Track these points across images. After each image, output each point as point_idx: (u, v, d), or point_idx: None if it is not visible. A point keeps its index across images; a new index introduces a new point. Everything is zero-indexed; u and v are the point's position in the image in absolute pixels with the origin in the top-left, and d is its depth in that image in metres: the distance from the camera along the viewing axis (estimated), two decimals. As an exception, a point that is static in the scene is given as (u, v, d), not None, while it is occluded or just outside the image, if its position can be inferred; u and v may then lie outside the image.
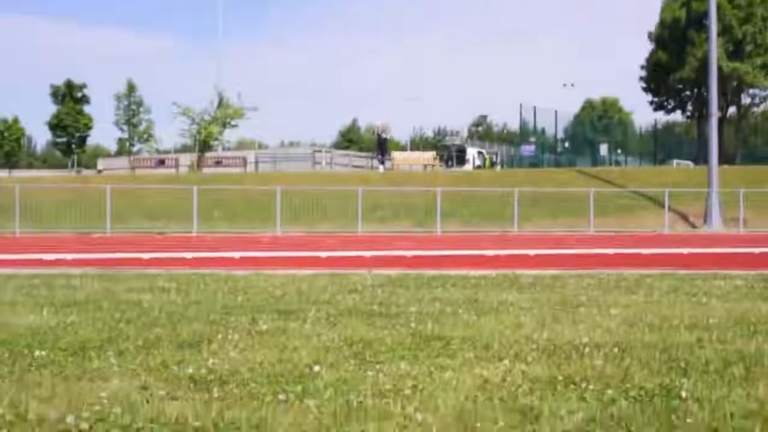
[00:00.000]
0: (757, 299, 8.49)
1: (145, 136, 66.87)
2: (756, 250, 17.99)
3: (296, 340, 5.88)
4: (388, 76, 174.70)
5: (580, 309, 7.56)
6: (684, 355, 5.37)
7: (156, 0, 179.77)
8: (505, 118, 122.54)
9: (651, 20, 69.31)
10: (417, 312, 7.31)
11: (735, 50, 56.34)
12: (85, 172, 63.22)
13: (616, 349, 5.50)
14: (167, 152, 73.54)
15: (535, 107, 52.06)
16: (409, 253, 16.55)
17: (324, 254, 16.12)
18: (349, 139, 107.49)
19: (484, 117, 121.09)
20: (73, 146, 71.77)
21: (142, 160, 58.44)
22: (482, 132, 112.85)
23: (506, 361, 5.09)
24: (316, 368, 4.85)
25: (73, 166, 70.83)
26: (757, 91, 61.17)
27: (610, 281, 10.23)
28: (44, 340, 5.83)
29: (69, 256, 14.69)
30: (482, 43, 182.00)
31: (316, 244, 19.95)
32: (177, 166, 52.88)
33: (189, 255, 15.70)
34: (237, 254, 15.85)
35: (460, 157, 53.35)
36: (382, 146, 43.58)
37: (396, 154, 52.30)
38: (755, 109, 66.51)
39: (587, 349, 5.48)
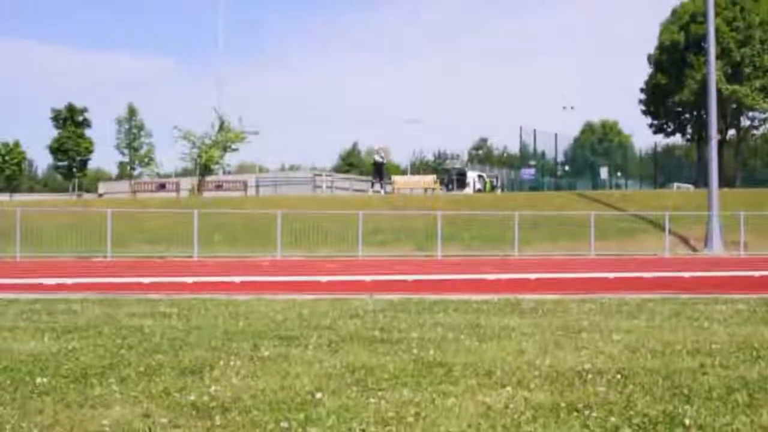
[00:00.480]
0: (760, 324, 8.48)
1: (146, 159, 67.01)
2: (757, 274, 17.98)
3: (298, 366, 5.88)
4: (389, 99, 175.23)
5: (582, 334, 7.56)
6: (687, 381, 5.36)
7: (156, 23, 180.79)
8: (506, 141, 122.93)
9: (650, 43, 69.76)
10: (419, 338, 7.30)
11: (734, 73, 56.52)
12: (86, 195, 63.29)
13: (618, 376, 5.49)
14: (168, 176, 73.65)
15: (535, 130, 52.18)
16: (410, 278, 16.54)
17: (325, 279, 16.12)
18: (349, 163, 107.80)
19: (485, 140, 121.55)
20: (74, 170, 71.89)
21: (143, 183, 58.59)
22: (482, 155, 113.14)
23: (509, 388, 5.09)
24: (318, 395, 4.84)
25: (74, 189, 70.97)
26: (756, 113, 61.28)
27: (612, 306, 10.22)
28: (46, 367, 5.83)
29: (69, 281, 14.69)
30: (482, 65, 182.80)
31: (317, 269, 19.94)
32: (178, 189, 53.00)
33: (190, 279, 15.69)
34: (238, 279, 15.84)
35: (461, 181, 53.41)
36: (379, 170, 43.69)
37: (397, 178, 52.46)
38: (754, 131, 66.60)
39: (590, 376, 5.48)
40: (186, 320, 8.63)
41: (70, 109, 71.76)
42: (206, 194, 47.95)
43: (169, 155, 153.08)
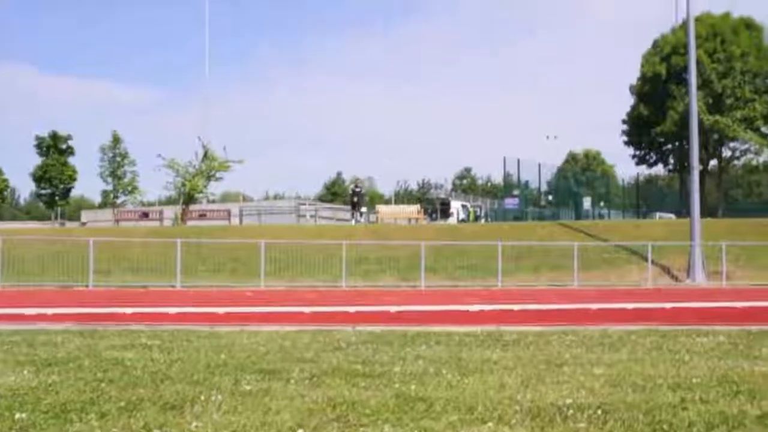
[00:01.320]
0: (739, 357, 8.52)
1: (130, 188, 66.72)
2: (739, 305, 18.06)
3: (279, 401, 5.87)
4: (372, 128, 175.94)
5: (563, 368, 7.57)
6: (667, 417, 5.39)
7: (142, 51, 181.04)
8: (489, 170, 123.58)
9: (632, 74, 70.38)
10: (401, 372, 7.30)
11: (715, 103, 57.12)
12: (69, 224, 62.96)
13: (599, 411, 5.51)
14: (151, 204, 73.41)
15: (518, 160, 52.37)
16: (393, 308, 16.53)
17: (308, 309, 16.08)
18: (333, 192, 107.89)
19: (468, 170, 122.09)
20: (57, 198, 71.49)
21: (126, 212, 58.44)
22: (466, 185, 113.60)
23: (490, 424, 5.10)
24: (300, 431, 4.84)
25: (56, 218, 70.54)
26: (737, 144, 61.87)
27: (594, 338, 10.25)
28: (25, 402, 5.80)
29: (50, 311, 14.60)
30: (466, 95, 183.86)
31: (300, 299, 19.89)
32: (161, 218, 52.92)
33: (172, 310, 15.62)
34: (221, 309, 15.79)
35: (445, 210, 53.70)
36: (355, 201, 43.99)
37: (381, 207, 52.63)
38: (736, 161, 67.20)
39: (570, 411, 5.49)
40: (167, 353, 8.60)
41: (54, 136, 71.49)
42: (190, 223, 47.83)
43: (153, 184, 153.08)
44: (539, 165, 54.62)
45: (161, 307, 16.44)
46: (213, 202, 65.12)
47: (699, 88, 44.27)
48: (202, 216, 52.06)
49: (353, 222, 43.15)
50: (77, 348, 8.98)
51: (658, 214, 54.85)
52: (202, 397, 5.96)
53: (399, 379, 6.82)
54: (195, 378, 6.91)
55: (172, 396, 6.04)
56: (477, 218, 55.46)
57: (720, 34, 58.19)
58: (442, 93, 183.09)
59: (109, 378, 6.86)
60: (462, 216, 54.20)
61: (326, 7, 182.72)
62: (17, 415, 5.30)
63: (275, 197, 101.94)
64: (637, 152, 64.75)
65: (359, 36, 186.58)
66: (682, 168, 56.52)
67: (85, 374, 7.06)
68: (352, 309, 16.20)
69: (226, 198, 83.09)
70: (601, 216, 56.21)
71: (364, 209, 44.95)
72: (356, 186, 45.73)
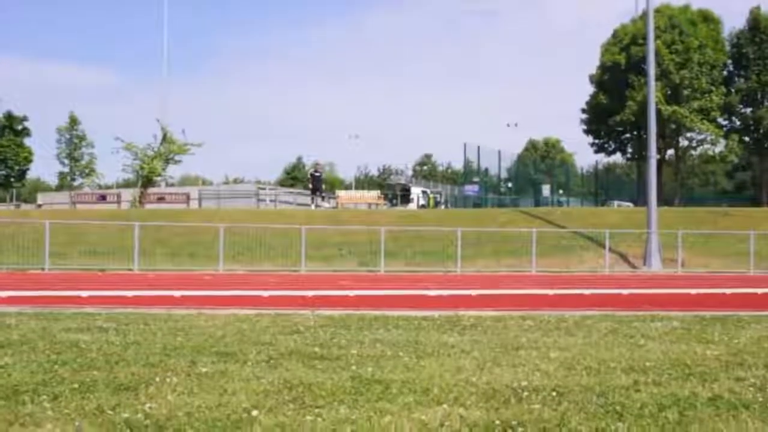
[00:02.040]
0: (692, 341, 8.65)
1: (87, 170, 65.92)
2: (693, 291, 18.33)
3: (236, 383, 5.84)
4: (334, 114, 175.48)
5: (520, 351, 7.63)
6: (620, 398, 5.45)
7: (101, 33, 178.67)
8: (450, 157, 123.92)
9: (592, 63, 70.89)
10: (358, 354, 7.30)
11: (673, 94, 57.79)
12: (25, 206, 62.06)
13: (554, 393, 5.56)
14: (109, 187, 72.68)
15: (479, 147, 52.61)
16: (352, 293, 16.51)
17: (267, 293, 16.01)
18: (293, 177, 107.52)
19: (429, 156, 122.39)
20: (12, 180, 70.48)
21: (83, 195, 57.74)
22: (427, 171, 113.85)
23: (445, 405, 5.12)
24: (255, 413, 4.82)
25: (11, 200, 69.50)
26: (694, 134, 62.67)
27: (551, 323, 10.33)
28: (-25, 384, 5.70)
29: (5, 294, 14.38)
30: (427, 82, 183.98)
31: (259, 283, 19.82)
32: (119, 201, 52.36)
33: (129, 293, 15.46)
34: (178, 293, 15.66)
35: (405, 196, 53.79)
36: (315, 184, 43.93)
37: (340, 193, 52.54)
38: (692, 151, 68.11)
39: (525, 393, 5.54)
40: (123, 335, 8.52)
41: (9, 117, 70.43)
42: (148, 206, 47.43)
43: (111, 166, 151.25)
44: (499, 152, 54.98)
45: (118, 291, 16.27)
46: (172, 185, 64.71)
47: (657, 78, 44.79)
48: (160, 199, 51.62)
49: (313, 206, 43.13)
50: (31, 330, 8.86)
51: (616, 202, 55.49)
52: (157, 379, 5.91)
53: (356, 362, 6.83)
54: (150, 360, 6.85)
55: (126, 378, 5.99)
56: (437, 204, 55.63)
57: (678, 26, 58.84)
58: (404, 81, 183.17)
59: (63, 360, 6.77)
60: (422, 202, 54.34)
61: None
62: (-33, 397, 5.22)
63: (235, 181, 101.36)
64: (596, 141, 65.34)
65: (320, 25, 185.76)
66: (640, 157, 57.11)
67: (39, 356, 6.97)
68: (310, 293, 16.15)
69: (184, 182, 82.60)
70: (560, 203, 56.71)
71: (323, 194, 44.91)
72: (315, 170, 45.72)
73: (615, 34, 62.64)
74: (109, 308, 11.72)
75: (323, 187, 46.05)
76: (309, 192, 46.79)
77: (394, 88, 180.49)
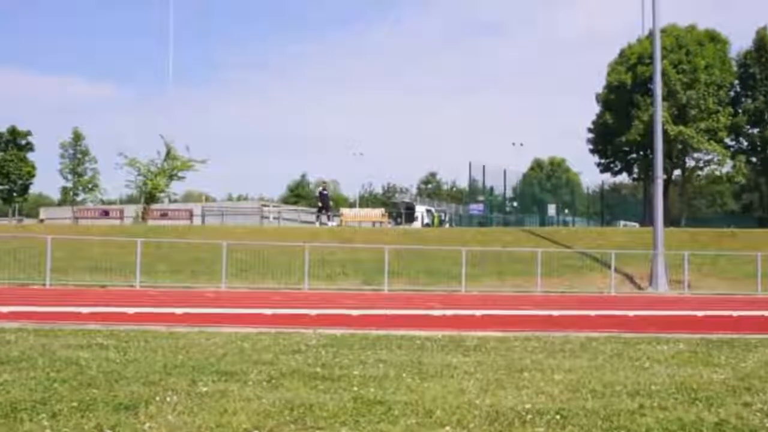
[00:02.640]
0: (699, 364, 8.60)
1: (90, 185, 66.04)
2: (700, 313, 18.25)
3: (236, 403, 5.81)
4: (339, 131, 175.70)
5: (524, 373, 7.59)
6: (625, 422, 5.42)
7: (106, 48, 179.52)
8: (455, 175, 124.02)
9: (598, 82, 71.04)
10: (360, 375, 7.27)
11: (680, 114, 57.72)
12: (27, 221, 62.13)
13: (558, 416, 5.53)
14: (112, 203, 72.72)
15: (484, 166, 52.64)
16: (355, 312, 16.48)
17: (269, 311, 16.00)
18: (297, 194, 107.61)
19: (434, 174, 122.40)
20: (15, 194, 70.61)
21: (86, 210, 57.81)
22: (431, 189, 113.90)
23: (448, 428, 5.09)
24: (255, 434, 4.79)
25: (14, 214, 69.61)
26: (701, 154, 62.55)
27: (556, 344, 10.29)
28: (-26, 401, 5.68)
29: (6, 309, 14.38)
30: (434, 100, 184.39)
31: (262, 301, 19.79)
32: (121, 217, 52.40)
33: (131, 310, 15.46)
34: (179, 310, 15.65)
35: (409, 215, 53.71)
36: (323, 202, 43.96)
37: (345, 210, 52.55)
38: (699, 172, 67.95)
39: (529, 416, 5.50)
40: (124, 353, 8.50)
41: (13, 131, 70.66)
42: (151, 222, 47.45)
43: (114, 182, 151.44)
44: (504, 171, 54.97)
45: (119, 307, 16.26)
46: (175, 201, 64.67)
47: (664, 98, 44.76)
48: (163, 215, 51.66)
49: (318, 224, 43.12)
50: (31, 347, 8.84)
51: (621, 222, 55.43)
52: (157, 398, 5.89)
53: (358, 383, 6.80)
54: (151, 378, 6.83)
55: (126, 396, 5.96)
56: (441, 223, 55.58)
57: (685, 46, 58.85)
58: (409, 97, 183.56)
59: (63, 378, 6.75)
60: (426, 221, 54.30)
61: (290, 11, 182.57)
62: (-35, 414, 5.20)
63: (238, 198, 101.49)
64: (602, 160, 65.20)
65: (324, 40, 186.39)
66: (647, 177, 56.95)
67: (38, 373, 6.95)
68: (313, 312, 16.13)
69: (188, 198, 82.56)
70: (565, 223, 56.62)
71: (330, 212, 44.95)
72: (323, 189, 45.71)
73: (621, 54, 62.66)
74: (109, 325, 11.70)
75: (331, 204, 46.07)
76: (316, 210, 46.82)
77: (399, 104, 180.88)
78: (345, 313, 16.21)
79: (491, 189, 54.78)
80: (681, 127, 57.00)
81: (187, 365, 7.66)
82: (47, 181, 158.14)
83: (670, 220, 50.00)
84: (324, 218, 44.05)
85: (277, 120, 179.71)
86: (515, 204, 58.89)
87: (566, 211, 60.74)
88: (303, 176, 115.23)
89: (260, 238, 32.45)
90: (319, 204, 44.69)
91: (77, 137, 66.03)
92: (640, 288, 30.35)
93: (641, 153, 61.65)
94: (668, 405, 6.13)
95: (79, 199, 66.98)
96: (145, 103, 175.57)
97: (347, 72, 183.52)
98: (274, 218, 55.68)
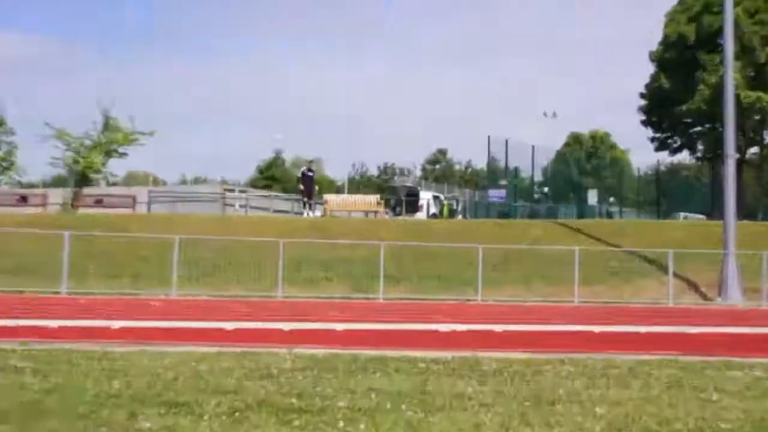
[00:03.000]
0: (781, 396, 8.59)
1: (5, 163, 65.98)
2: (781, 331, 18.30)
3: (187, 443, 5.78)
4: (323, 100, 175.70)
5: (556, 406, 7.58)
6: (687, 472, 5.38)
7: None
8: (470, 153, 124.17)
9: (653, 37, 70.95)
10: (347, 407, 7.26)
11: (756, 77, 57.64)
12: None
13: (600, 463, 5.50)
14: (33, 186, 72.65)
15: (506, 141, 52.47)
16: (341, 326, 16.50)
17: (231, 325, 15.99)
18: (270, 176, 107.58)
19: (443, 152, 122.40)
20: None
21: (-1, 195, 57.68)
22: (440, 171, 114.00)
23: (459, 477, 5.05)
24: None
25: None
26: (784, 127, 62.56)
27: (597, 369, 10.28)
28: None
29: None
30: (441, 63, 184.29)
31: (223, 312, 19.79)
32: (45, 203, 52.26)
33: (54, 323, 15.45)
34: (117, 323, 15.64)
35: (412, 203, 53.69)
36: (307, 186, 43.83)
37: (330, 197, 52.36)
38: (782, 150, 68.00)
39: (564, 462, 5.47)
40: (43, 378, 8.47)
41: None
42: (83, 210, 47.37)
43: (36, 160, 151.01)
44: (533, 148, 54.90)
45: (40, 320, 16.25)
46: (114, 185, 64.80)
47: (736, 56, 44.63)
48: (98, 202, 51.54)
49: (306, 213, 43.10)
50: None
51: (682, 214, 55.39)
52: (86, 437, 5.85)
53: (344, 417, 6.78)
54: (79, 411, 6.81)
55: (45, 435, 5.92)
56: (452, 214, 55.61)
57: (764, -10, 58.82)
58: (411, 57, 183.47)
59: (-36, 410, 6.71)
60: (434, 210, 54.32)
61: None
62: None
63: (195, 181, 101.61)
64: (658, 135, 65.25)
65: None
66: (714, 156, 57.04)
67: (-68, 405, 6.90)
68: (288, 326, 16.14)
69: (131, 180, 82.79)
70: (609, 215, 56.65)
71: (312, 200, 44.88)
72: (308, 169, 45.40)
73: (682, 1, 62.56)
74: (27, 342, 11.66)
75: (315, 189, 45.95)
76: (299, 196, 46.75)
77: (399, 69, 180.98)
78: (328, 328, 16.23)
79: (515, 170, 54.75)
80: (758, 93, 56.90)
81: (125, 394, 7.64)
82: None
83: (745, 212, 50.04)
84: (308, 207, 44.03)
85: (244, 85, 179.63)
86: (546, 190, 58.97)
87: (611, 199, 60.81)
88: (277, 154, 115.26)
89: (222, 232, 32.47)
90: (301, 188, 44.61)
91: (-10, 102, 65.92)
92: (705, 298, 30.38)
93: (707, 126, 61.64)
94: (742, 448, 6.11)
95: (-11, 180, 66.93)
96: (78, 63, 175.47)
97: (336, 32, 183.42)
98: (240, 206, 55.67)
